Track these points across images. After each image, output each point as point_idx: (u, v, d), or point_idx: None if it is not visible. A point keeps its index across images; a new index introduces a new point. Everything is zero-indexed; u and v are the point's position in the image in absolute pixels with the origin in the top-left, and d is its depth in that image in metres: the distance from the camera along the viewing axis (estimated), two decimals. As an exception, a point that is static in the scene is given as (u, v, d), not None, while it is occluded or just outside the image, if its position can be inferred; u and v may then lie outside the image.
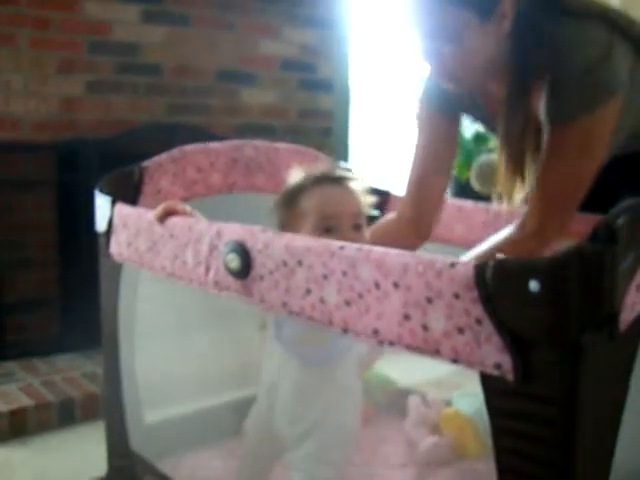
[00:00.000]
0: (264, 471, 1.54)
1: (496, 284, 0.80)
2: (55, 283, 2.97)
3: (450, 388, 2.41)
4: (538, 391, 0.80)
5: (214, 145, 1.88)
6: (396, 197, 1.99)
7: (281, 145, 1.99)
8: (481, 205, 1.83)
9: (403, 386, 2.12)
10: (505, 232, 1.44)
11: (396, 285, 0.93)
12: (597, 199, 1.49)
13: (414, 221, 1.66)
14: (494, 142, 3.65)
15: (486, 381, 0.85)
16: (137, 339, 1.69)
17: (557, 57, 1.34)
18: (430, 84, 1.59)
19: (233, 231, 1.24)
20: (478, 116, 1.63)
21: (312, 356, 1.38)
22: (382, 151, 4.15)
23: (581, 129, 1.34)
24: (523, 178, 1.47)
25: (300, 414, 1.40)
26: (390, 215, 1.73)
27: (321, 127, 3.71)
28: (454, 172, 3.78)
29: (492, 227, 1.76)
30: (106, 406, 1.78)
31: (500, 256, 0.80)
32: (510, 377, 0.81)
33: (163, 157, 1.79)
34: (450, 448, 1.80)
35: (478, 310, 0.83)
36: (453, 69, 1.38)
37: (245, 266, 1.19)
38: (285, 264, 1.12)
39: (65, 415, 2.48)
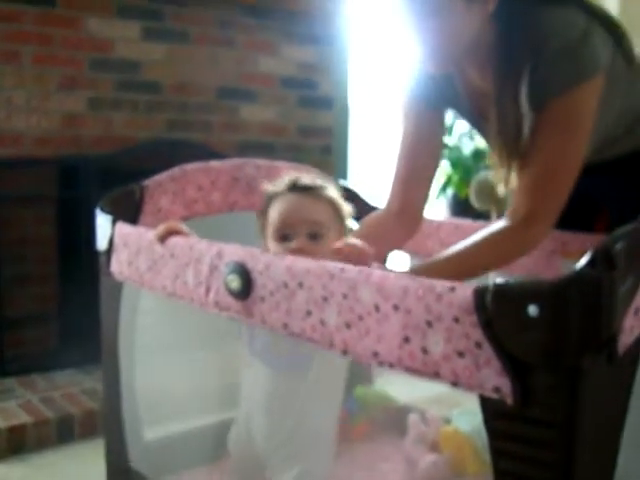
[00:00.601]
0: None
1: (495, 308, 0.81)
2: (54, 298, 2.98)
3: (450, 405, 2.41)
4: (537, 414, 0.80)
5: (215, 164, 1.89)
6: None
7: (282, 164, 2.00)
8: (479, 223, 1.83)
9: (402, 403, 2.12)
10: (496, 223, 1.43)
11: (396, 308, 0.94)
12: (577, 210, 1.50)
13: (401, 215, 1.66)
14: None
15: (485, 404, 0.85)
16: (137, 355, 1.70)
17: (538, 40, 1.35)
18: (414, 79, 1.61)
19: (234, 252, 1.25)
20: (461, 110, 1.63)
21: (282, 362, 1.40)
22: (381, 168, 4.16)
23: (565, 106, 1.34)
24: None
25: (275, 424, 1.42)
26: (378, 210, 1.73)
27: (321, 144, 3.73)
28: (453, 190, 3.81)
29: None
30: (105, 423, 1.78)
31: (499, 280, 0.81)
32: (509, 401, 0.82)
33: (163, 176, 1.80)
34: (449, 466, 1.80)
35: (477, 334, 0.83)
36: (436, 46, 1.38)
37: (246, 287, 1.20)
38: (286, 286, 1.13)
39: (64, 432, 2.48)
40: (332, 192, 1.46)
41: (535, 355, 0.79)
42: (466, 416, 1.88)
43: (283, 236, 1.39)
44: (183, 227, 1.46)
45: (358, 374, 2.19)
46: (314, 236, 1.39)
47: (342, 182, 2.14)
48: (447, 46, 1.39)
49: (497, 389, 0.83)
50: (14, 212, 2.84)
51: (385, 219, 1.67)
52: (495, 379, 0.83)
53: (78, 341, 2.89)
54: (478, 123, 1.60)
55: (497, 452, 0.87)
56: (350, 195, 2.08)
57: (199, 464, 1.77)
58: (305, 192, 1.43)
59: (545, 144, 1.37)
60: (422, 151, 1.65)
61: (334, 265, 1.06)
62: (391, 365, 0.97)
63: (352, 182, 3.71)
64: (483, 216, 3.42)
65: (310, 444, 1.41)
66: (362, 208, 2.09)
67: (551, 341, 0.77)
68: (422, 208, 1.68)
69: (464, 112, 1.63)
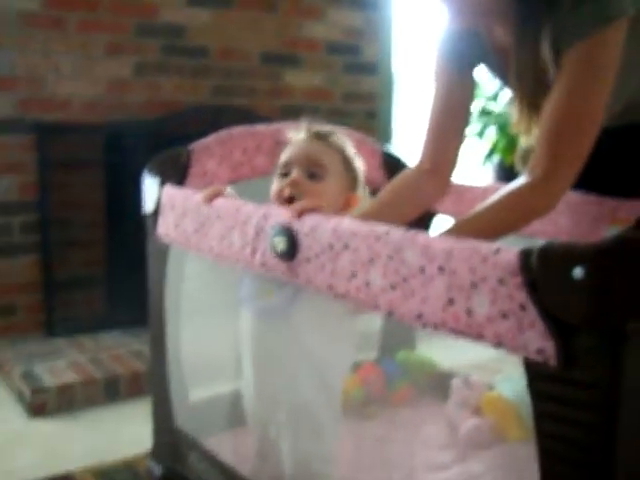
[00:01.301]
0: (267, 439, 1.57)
1: (540, 270, 0.81)
2: (102, 262, 3.03)
3: (492, 372, 2.42)
4: (580, 376, 0.80)
5: (260, 128, 1.90)
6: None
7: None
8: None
9: (445, 369, 2.13)
10: (516, 181, 1.39)
11: (441, 269, 0.94)
12: (625, 176, 1.47)
13: (432, 174, 1.65)
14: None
15: (529, 366, 0.85)
16: (183, 318, 1.73)
17: None
18: (446, 37, 1.60)
19: (280, 214, 1.26)
20: (491, 66, 1.62)
21: (263, 308, 1.45)
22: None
23: (588, 49, 1.31)
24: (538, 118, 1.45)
25: (261, 375, 1.47)
26: (408, 169, 1.73)
27: (365, 110, 3.71)
28: (499, 156, 3.76)
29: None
30: (152, 384, 1.82)
31: (544, 242, 0.81)
32: (552, 362, 0.82)
33: (210, 139, 1.81)
34: (491, 431, 1.80)
35: (522, 296, 0.83)
36: (462, 1, 1.37)
37: (291, 249, 1.21)
38: (331, 247, 1.13)
39: (111, 391, 2.54)
40: (344, 143, 1.51)
41: (579, 317, 0.79)
42: (509, 382, 1.88)
43: (284, 174, 1.47)
44: (228, 190, 1.48)
45: (400, 338, 2.21)
46: (312, 175, 1.44)
47: (385, 147, 2.14)
48: (472, 1, 1.38)
49: (540, 351, 0.83)
50: (62, 177, 2.88)
51: (415, 178, 1.67)
52: (539, 341, 0.83)
53: (125, 304, 2.95)
54: (505, 79, 1.59)
55: (540, 414, 0.87)
56: (392, 160, 2.09)
57: (242, 425, 1.79)
58: (314, 137, 1.50)
59: (566, 89, 1.32)
60: (453, 109, 1.64)
61: (380, 227, 1.06)
62: (435, 327, 0.97)
63: (396, 148, 3.69)
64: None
65: (308, 401, 1.42)
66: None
67: (595, 304, 0.76)
68: (452, 168, 1.68)
69: (494, 68, 1.62)
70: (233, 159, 1.84)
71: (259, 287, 1.46)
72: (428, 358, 2.14)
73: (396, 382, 2.08)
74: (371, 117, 3.73)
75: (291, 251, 1.21)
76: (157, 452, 1.82)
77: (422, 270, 0.97)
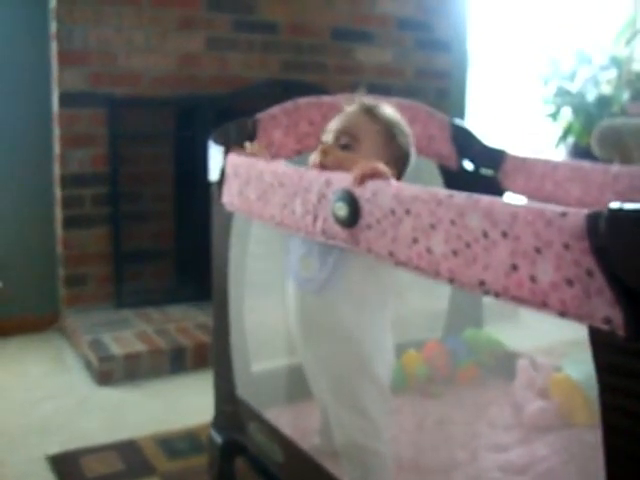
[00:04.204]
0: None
1: (610, 235, 0.76)
2: (171, 235, 3.07)
3: (560, 355, 2.36)
4: (651, 348, 0.76)
5: (326, 99, 1.88)
6: (512, 156, 1.94)
7: (395, 100, 1.97)
8: (599, 166, 1.75)
9: (512, 349, 2.08)
10: None
11: (504, 234, 0.90)
12: None
13: None
14: (616, 106, 3.50)
15: (595, 336, 0.81)
16: (246, 287, 1.73)
17: None
18: None
19: (342, 180, 1.24)
20: None
21: (305, 280, 1.45)
22: (500, 113, 4.04)
23: None
24: None
25: (309, 344, 1.48)
26: None
27: (438, 87, 3.64)
28: (574, 138, 3.66)
29: (610, 189, 1.69)
30: (215, 354, 1.82)
31: (614, 204, 0.76)
32: (620, 332, 0.77)
33: (276, 110, 1.80)
34: (558, 413, 1.76)
35: (589, 261, 0.79)
36: None
37: (353, 215, 1.19)
38: (393, 213, 1.11)
39: (176, 362, 2.57)
40: (392, 118, 1.49)
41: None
42: (578, 364, 1.82)
43: (321, 142, 1.47)
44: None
45: (467, 317, 2.17)
46: (345, 146, 1.44)
47: (457, 120, 2.09)
48: None
49: (608, 320, 0.78)
50: (132, 150, 2.92)
51: None
52: (606, 309, 0.78)
53: (193, 278, 2.98)
54: None
55: (605, 387, 0.83)
56: (464, 134, 2.04)
57: (303, 398, 1.79)
58: (361, 109, 1.49)
59: None
60: None
61: (442, 191, 1.03)
62: (497, 294, 0.94)
63: (469, 125, 3.63)
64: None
65: (348, 377, 1.42)
66: (476, 147, 2.04)
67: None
68: None
69: None
70: (299, 130, 1.83)
71: (302, 258, 1.46)
72: (495, 338, 2.09)
73: (462, 361, 2.04)
74: (443, 95, 3.66)
75: (353, 217, 1.19)
76: (218, 421, 1.83)
77: (485, 235, 0.94)
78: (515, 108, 3.97)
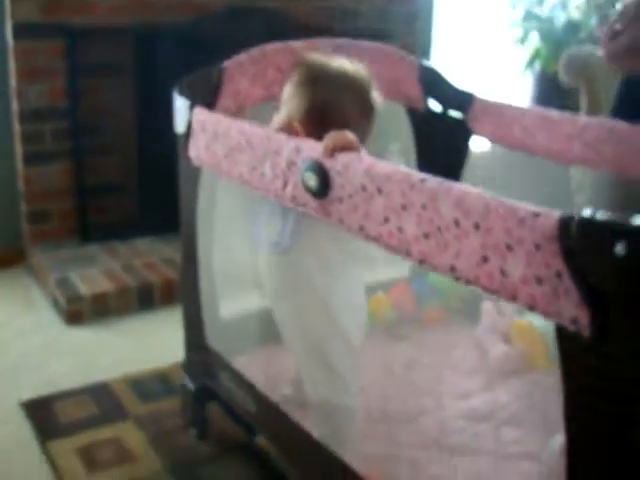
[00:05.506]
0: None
1: (580, 240, 0.78)
2: (134, 168, 3.02)
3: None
4: (613, 349, 0.78)
5: (295, 44, 1.83)
6: (480, 100, 1.93)
7: (363, 44, 1.93)
8: (567, 115, 1.75)
9: (477, 292, 2.11)
10: None
11: (476, 226, 0.91)
12: None
13: None
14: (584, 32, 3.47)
15: (561, 333, 0.84)
16: (215, 236, 1.72)
17: None
18: None
19: (311, 148, 1.22)
20: None
21: (270, 242, 1.48)
22: (468, 37, 3.98)
23: None
24: None
25: (277, 304, 1.53)
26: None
27: (406, 11, 3.55)
28: (541, 64, 3.64)
29: (578, 139, 1.69)
30: (184, 303, 1.83)
31: (587, 211, 0.78)
32: (586, 333, 0.80)
33: (243, 57, 1.76)
34: (520, 359, 1.81)
35: (558, 263, 0.81)
36: None
37: (323, 186, 1.18)
38: (364, 189, 1.11)
39: (144, 300, 2.59)
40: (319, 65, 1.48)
41: (617, 293, 0.76)
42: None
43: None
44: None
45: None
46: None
47: (425, 62, 2.07)
48: None
49: (574, 320, 0.81)
50: (92, 83, 2.84)
51: None
52: (573, 310, 0.80)
53: (157, 209, 2.95)
54: None
55: (569, 385, 0.86)
56: (433, 75, 2.01)
57: (275, 342, 1.81)
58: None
59: None
60: None
61: (415, 174, 1.03)
62: (468, 281, 0.95)
63: (436, 59, 3.58)
64: (571, 93, 3.27)
65: (318, 336, 1.46)
66: (444, 89, 2.02)
67: (635, 282, 0.74)
68: None
69: None
70: (267, 77, 1.79)
71: (267, 216, 1.47)
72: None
73: (427, 302, 2.08)
74: (412, 19, 3.56)
75: (323, 189, 1.19)
76: (189, 368, 1.86)
77: (457, 223, 0.94)
78: (482, 32, 3.92)
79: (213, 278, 1.78)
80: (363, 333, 1.51)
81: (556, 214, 0.81)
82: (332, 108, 1.42)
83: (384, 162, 1.11)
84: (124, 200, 3.02)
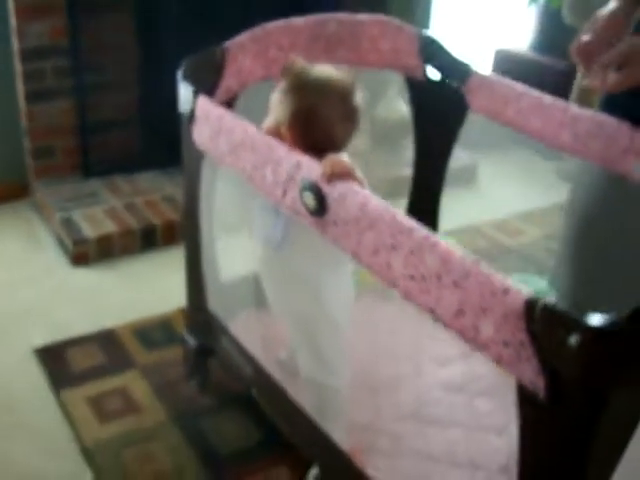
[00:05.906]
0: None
1: (542, 325, 0.89)
2: (136, 104, 3.06)
3: (512, 233, 2.52)
4: (563, 414, 0.92)
5: (296, 22, 1.88)
6: (478, 73, 1.96)
7: (364, 17, 1.98)
8: (559, 102, 1.80)
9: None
10: None
11: (456, 284, 1.02)
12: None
13: None
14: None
15: (521, 390, 0.97)
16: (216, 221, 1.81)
17: None
18: None
19: (311, 168, 1.30)
20: None
21: (264, 238, 1.60)
22: (466, 17, 3.90)
23: None
24: None
25: (271, 294, 1.66)
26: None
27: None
28: None
29: (568, 129, 1.75)
30: (187, 267, 1.94)
31: (551, 300, 0.89)
32: (541, 395, 0.93)
33: (244, 37, 1.80)
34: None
35: (522, 336, 0.93)
36: None
37: (320, 208, 1.27)
38: (357, 222, 1.20)
39: (147, 240, 2.70)
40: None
41: (570, 375, 0.88)
42: (525, 282, 1.98)
43: None
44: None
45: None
46: None
47: (425, 32, 2.10)
48: None
49: (533, 383, 0.93)
50: (92, 19, 2.84)
51: None
52: (532, 375, 0.93)
53: (159, 144, 3.02)
54: None
55: (524, 434, 1.00)
56: (433, 45, 2.05)
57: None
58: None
59: None
60: None
61: (406, 220, 1.12)
62: (445, 325, 1.07)
63: (435, 29, 3.53)
64: (572, 33, 3.27)
65: (309, 328, 1.60)
66: (444, 58, 2.05)
67: (583, 371, 0.86)
68: None
69: None
70: (268, 56, 1.85)
71: (265, 216, 1.57)
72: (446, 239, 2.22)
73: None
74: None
75: (320, 210, 1.28)
76: (191, 327, 2.00)
77: (439, 277, 1.05)
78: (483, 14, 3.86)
79: (214, 245, 1.89)
80: (348, 319, 1.64)
81: (524, 294, 0.92)
82: (316, 112, 1.50)
83: (378, 199, 1.20)
84: (126, 136, 3.07)
